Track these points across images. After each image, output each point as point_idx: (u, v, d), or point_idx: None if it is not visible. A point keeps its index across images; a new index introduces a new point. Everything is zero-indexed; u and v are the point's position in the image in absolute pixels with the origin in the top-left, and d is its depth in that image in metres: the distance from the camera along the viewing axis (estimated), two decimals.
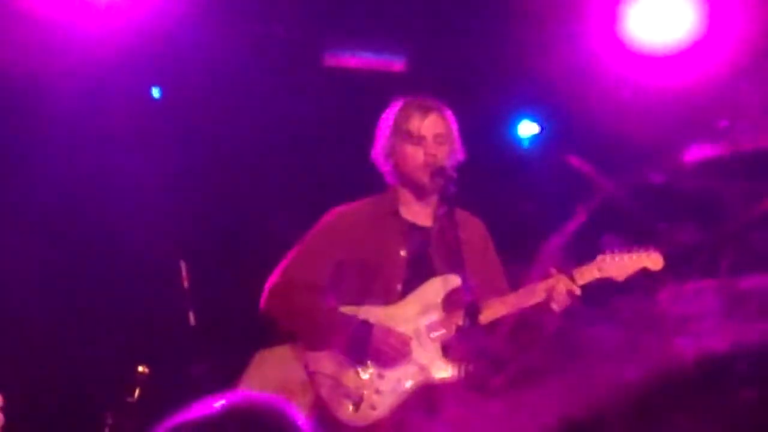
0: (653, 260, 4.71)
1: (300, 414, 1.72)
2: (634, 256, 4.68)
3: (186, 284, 5.80)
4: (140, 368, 5.71)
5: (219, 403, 1.69)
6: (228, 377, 5.65)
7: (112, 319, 6.48)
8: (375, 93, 5.45)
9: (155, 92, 6.66)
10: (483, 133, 5.19)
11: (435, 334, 4.54)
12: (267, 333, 5.48)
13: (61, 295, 6.43)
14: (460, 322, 4.31)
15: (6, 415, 5.05)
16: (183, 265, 5.79)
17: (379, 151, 4.65)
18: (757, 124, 6.35)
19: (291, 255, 4.63)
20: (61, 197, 6.29)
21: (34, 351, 6.29)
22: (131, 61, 6.23)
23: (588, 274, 4.60)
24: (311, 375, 4.63)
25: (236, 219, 6.67)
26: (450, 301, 4.53)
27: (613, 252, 4.65)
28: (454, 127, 4.65)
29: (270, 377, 5.65)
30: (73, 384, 6.31)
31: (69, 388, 6.31)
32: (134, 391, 5.67)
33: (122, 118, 6.35)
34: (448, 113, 4.65)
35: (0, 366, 5.21)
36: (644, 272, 4.68)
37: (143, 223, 6.34)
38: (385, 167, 4.65)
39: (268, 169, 6.62)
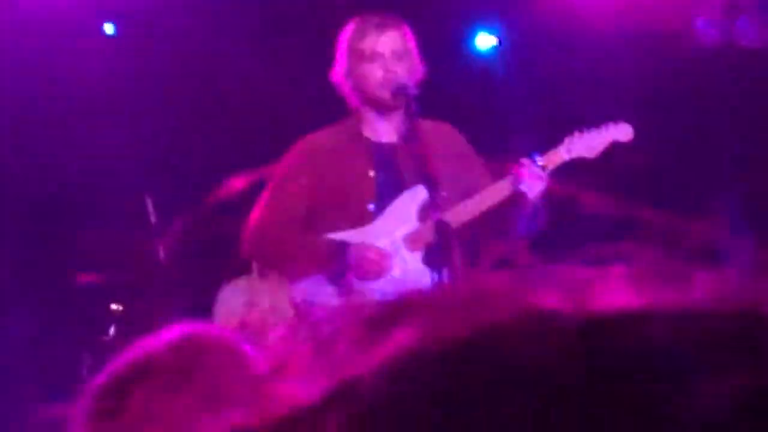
0: (623, 131, 4.75)
1: (246, 343, 1.75)
2: (603, 130, 4.74)
3: (153, 220, 5.89)
4: (114, 306, 5.83)
5: (163, 338, 1.70)
6: (201, 311, 5.73)
7: (81, 257, 6.49)
8: (328, 10, 5.51)
9: (108, 28, 6.71)
10: (439, 47, 5.31)
11: (413, 246, 4.66)
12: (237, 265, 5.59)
13: (30, 235, 6.54)
14: (430, 239, 4.48)
15: None
16: (149, 201, 5.87)
17: (337, 72, 4.74)
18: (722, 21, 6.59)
19: (265, 195, 4.76)
20: (19, 137, 6.37)
21: (6, 293, 6.43)
22: None
23: (556, 157, 4.68)
24: (297, 306, 4.74)
25: (201, 152, 6.72)
26: (425, 212, 4.65)
27: (581, 131, 4.71)
28: (412, 44, 4.71)
29: (237, 308, 5.77)
30: (48, 325, 6.41)
31: (44, 329, 6.40)
32: (109, 330, 5.79)
33: (75, 55, 6.38)
34: (405, 29, 4.71)
35: None
36: (615, 145, 4.72)
37: (107, 161, 6.38)
38: (345, 89, 4.73)
39: (229, 101, 6.69)
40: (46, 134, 6.44)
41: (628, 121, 4.81)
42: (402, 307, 0.69)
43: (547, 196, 4.64)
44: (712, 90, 6.91)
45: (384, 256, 4.62)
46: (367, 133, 4.75)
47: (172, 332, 1.72)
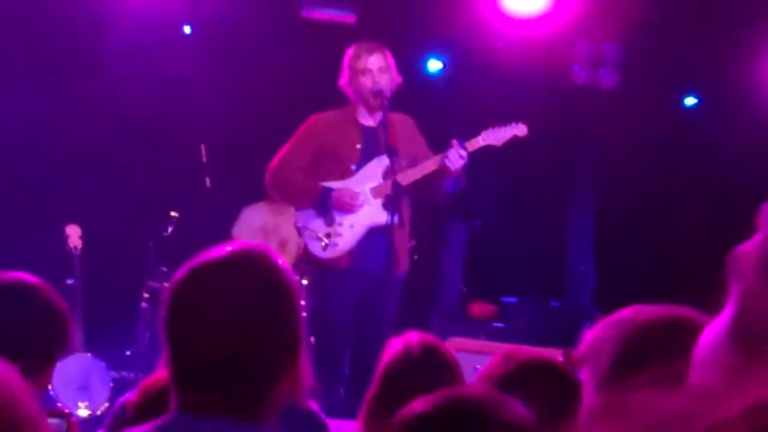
0: (520, 129, 5.53)
1: (280, 256, 1.87)
2: (508, 127, 5.49)
3: (204, 159, 7.06)
4: (172, 213, 6.93)
5: (225, 249, 1.83)
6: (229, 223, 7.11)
7: (154, 181, 7.73)
8: (334, 38, 6.63)
9: (186, 29, 7.84)
10: (405, 69, 5.80)
11: (376, 195, 5.49)
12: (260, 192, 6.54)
13: (132, 166, 7.70)
14: (389, 192, 5.39)
15: (84, 243, 6.30)
16: (203, 147, 7.06)
17: (343, 81, 5.53)
18: (589, 69, 7.81)
19: (285, 147, 5.54)
20: (121, 101, 7.56)
21: (109, 197, 7.58)
22: (166, 3, 7.46)
23: (475, 143, 5.44)
24: (298, 228, 5.60)
25: (245, 115, 7.71)
26: (387, 173, 5.44)
27: (493, 127, 5.48)
28: (392, 61, 5.48)
29: (253, 223, 7.29)
30: (133, 220, 7.44)
31: (125, 224, 7.44)
32: (168, 228, 6.91)
33: (160, 47, 7.63)
34: (387, 52, 5.49)
35: (82, 206, 6.77)
36: (515, 139, 5.51)
37: (177, 119, 7.54)
38: (347, 92, 5.53)
39: (274, 88, 7.69)
40: (138, 99, 7.35)
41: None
42: None
43: (465, 168, 5.41)
44: (580, 116, 8.13)
45: (354, 196, 5.44)
46: (360, 118, 5.54)
47: (231, 245, 1.85)
